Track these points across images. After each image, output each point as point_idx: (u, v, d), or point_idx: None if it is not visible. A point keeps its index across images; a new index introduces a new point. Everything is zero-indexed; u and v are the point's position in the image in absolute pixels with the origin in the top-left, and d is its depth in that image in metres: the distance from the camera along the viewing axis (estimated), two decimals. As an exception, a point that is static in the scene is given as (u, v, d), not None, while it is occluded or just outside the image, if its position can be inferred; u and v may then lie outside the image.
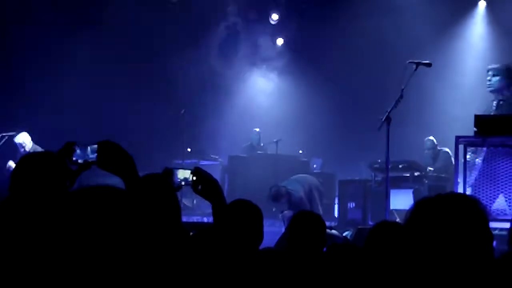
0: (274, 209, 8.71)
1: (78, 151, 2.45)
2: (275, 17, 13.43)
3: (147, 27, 12.37)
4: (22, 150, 9.23)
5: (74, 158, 2.45)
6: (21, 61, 11.88)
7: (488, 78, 6.07)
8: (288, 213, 8.16)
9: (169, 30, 12.58)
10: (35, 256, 1.67)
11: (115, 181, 2.36)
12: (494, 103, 6.10)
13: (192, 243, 2.37)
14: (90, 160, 2.42)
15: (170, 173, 2.68)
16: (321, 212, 7.89)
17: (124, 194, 1.35)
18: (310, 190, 8.75)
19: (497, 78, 6.02)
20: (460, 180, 5.59)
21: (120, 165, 2.37)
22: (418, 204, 1.81)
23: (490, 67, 6.16)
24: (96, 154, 2.39)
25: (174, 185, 2.68)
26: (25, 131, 9.45)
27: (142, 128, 12.02)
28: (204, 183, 2.65)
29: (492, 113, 5.97)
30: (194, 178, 2.65)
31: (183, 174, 2.68)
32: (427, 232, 1.70)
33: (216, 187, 2.66)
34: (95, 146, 2.41)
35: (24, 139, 9.36)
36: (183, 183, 2.68)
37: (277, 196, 8.13)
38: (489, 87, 6.08)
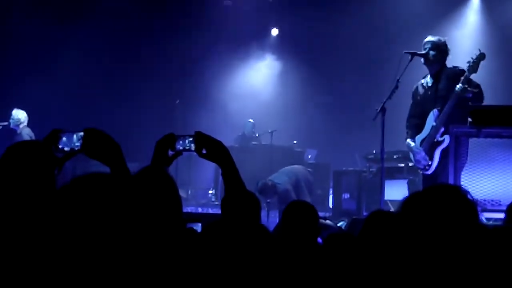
0: (268, 200, 8.78)
1: (64, 138, 2.41)
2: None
3: (140, 15, 12.32)
4: (15, 125, 9.30)
5: (60, 146, 2.41)
6: (12, 54, 11.83)
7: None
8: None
9: (162, 18, 12.52)
10: (32, 253, 1.66)
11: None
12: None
13: (200, 237, 2.31)
14: (76, 148, 2.39)
15: (172, 138, 2.64)
16: (309, 201, 7.97)
17: (117, 180, 1.33)
18: (297, 181, 8.93)
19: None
20: (454, 170, 5.60)
21: (107, 153, 2.33)
22: (409, 198, 1.84)
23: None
24: (82, 142, 2.36)
25: (175, 150, 2.64)
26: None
27: (137, 119, 12.00)
28: (208, 146, 2.55)
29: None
30: (195, 143, 2.57)
31: (185, 139, 2.63)
32: (418, 224, 1.72)
33: (222, 148, 2.54)
34: (81, 133, 2.38)
35: (20, 115, 9.41)
36: (181, 148, 2.63)
37: (264, 190, 8.50)
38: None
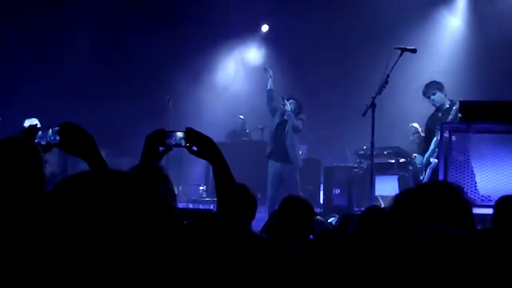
0: (259, 196, 8.76)
1: (40, 133, 2.44)
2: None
3: (130, 10, 12.27)
4: None
5: (36, 140, 2.43)
6: (14, 45, 11.78)
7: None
8: None
9: (153, 13, 12.48)
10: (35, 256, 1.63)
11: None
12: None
13: (189, 232, 2.30)
14: (52, 142, 2.41)
15: (162, 134, 2.64)
16: None
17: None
18: None
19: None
20: (444, 166, 5.61)
21: (82, 147, 2.34)
22: (400, 194, 1.79)
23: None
24: (58, 136, 2.38)
25: (166, 146, 2.63)
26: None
27: (127, 114, 11.94)
28: (199, 143, 2.55)
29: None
30: (185, 140, 2.57)
31: (176, 135, 2.63)
32: (408, 222, 1.68)
33: (212, 146, 2.53)
34: (57, 128, 2.40)
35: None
36: (172, 143, 2.62)
37: None
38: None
